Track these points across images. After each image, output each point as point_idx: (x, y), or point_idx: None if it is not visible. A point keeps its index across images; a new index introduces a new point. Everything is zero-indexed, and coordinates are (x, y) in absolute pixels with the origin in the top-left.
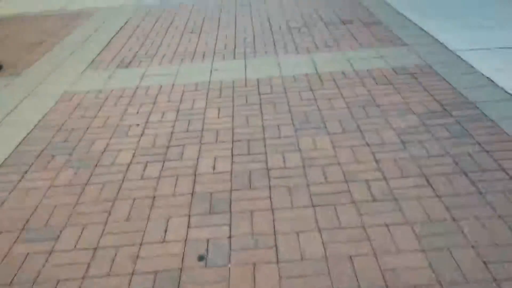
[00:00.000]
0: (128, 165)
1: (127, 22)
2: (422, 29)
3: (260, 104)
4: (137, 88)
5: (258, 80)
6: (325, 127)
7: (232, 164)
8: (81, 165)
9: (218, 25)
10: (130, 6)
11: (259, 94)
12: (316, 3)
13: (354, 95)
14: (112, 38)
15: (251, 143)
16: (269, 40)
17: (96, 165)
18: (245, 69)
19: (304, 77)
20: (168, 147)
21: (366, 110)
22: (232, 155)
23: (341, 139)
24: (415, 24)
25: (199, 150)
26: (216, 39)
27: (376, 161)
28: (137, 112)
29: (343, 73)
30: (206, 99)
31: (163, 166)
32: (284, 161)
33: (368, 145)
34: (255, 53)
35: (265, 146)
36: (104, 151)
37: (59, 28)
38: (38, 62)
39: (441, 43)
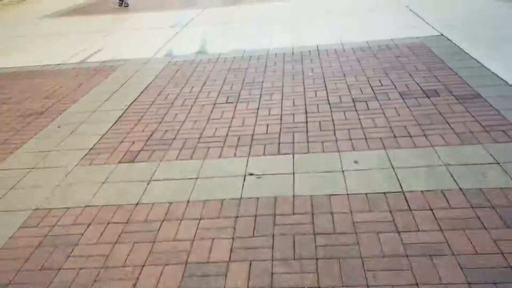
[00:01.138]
0: None
1: (150, 83)
2: None
3: (316, 259)
4: (136, 205)
5: (312, 201)
6: None
7: None
8: None
9: (261, 93)
10: (160, 59)
11: (314, 234)
12: (387, 64)
13: (472, 250)
14: (126, 109)
15: None
16: (327, 121)
17: None
18: (293, 177)
19: (383, 200)
20: None
21: None
22: None
23: None
24: None
25: None
26: (256, 116)
27: None
28: (124, 263)
29: (443, 194)
30: (233, 238)
31: None
32: None
33: None
34: (308, 144)
35: None
36: None
37: (71, 89)
38: (24, 146)
39: None
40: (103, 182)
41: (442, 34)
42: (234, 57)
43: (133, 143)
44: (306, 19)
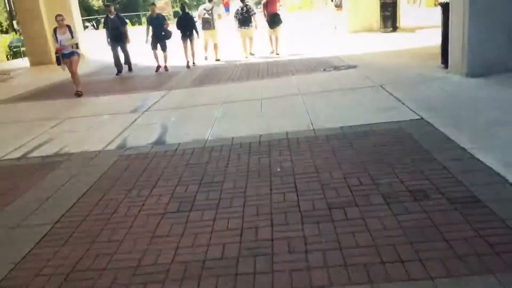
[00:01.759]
0: None
1: (92, 185)
2: None
3: None
4: None
5: None
6: None
7: None
8: None
9: (220, 196)
10: (111, 152)
11: None
12: (365, 156)
13: None
14: (55, 223)
15: None
16: (298, 238)
17: None
18: None
19: None
20: None
21: None
22: None
23: None
24: None
25: None
26: (212, 231)
27: None
28: None
29: None
30: None
31: None
32: None
33: None
34: (273, 274)
35: None
36: None
37: None
38: None
39: None
40: None
41: (422, 118)
42: (194, 149)
43: (50, 278)
44: (275, 101)
